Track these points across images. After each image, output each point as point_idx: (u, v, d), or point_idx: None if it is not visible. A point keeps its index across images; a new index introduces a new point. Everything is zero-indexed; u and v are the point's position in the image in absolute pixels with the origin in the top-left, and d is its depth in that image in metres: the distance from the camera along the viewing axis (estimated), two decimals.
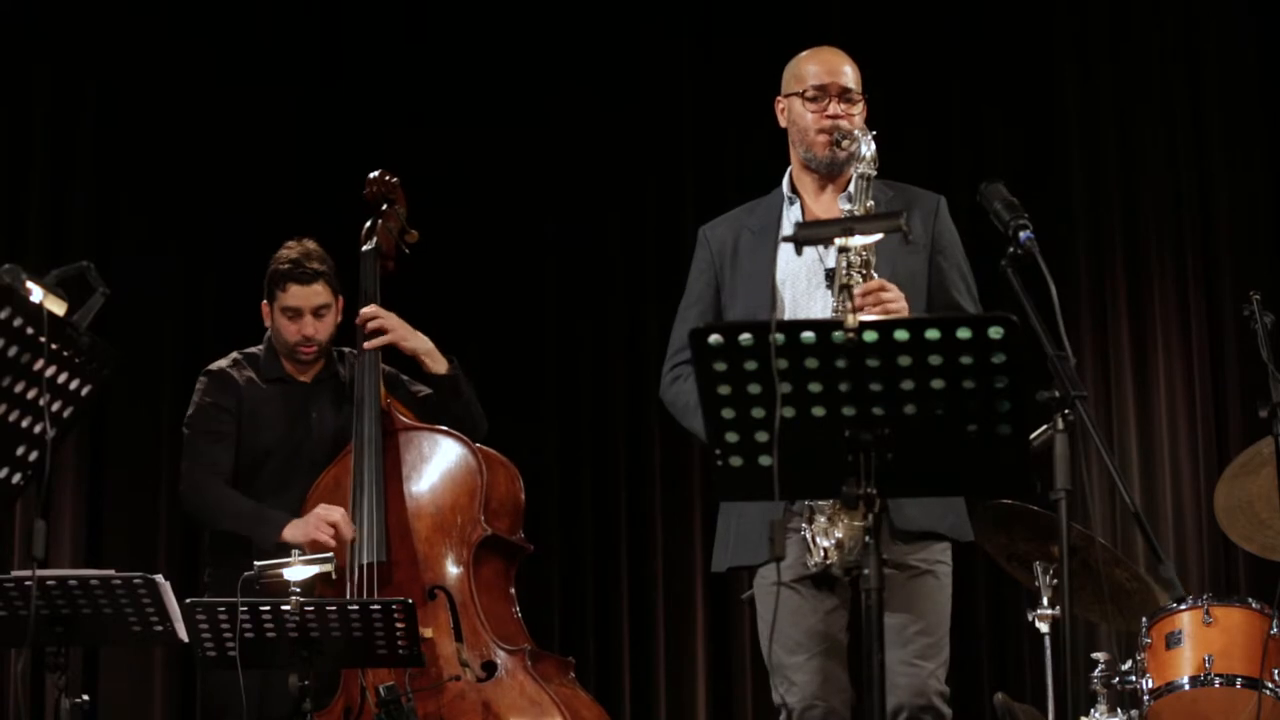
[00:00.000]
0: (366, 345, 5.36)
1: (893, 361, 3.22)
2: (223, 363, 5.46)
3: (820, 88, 4.39)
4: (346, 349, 5.52)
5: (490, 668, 5.09)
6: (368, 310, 5.41)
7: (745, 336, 3.25)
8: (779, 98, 4.48)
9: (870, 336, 3.22)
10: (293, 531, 5.17)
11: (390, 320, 5.40)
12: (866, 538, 3.39)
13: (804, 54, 4.51)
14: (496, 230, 7.49)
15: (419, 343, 5.44)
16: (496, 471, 5.30)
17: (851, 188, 4.30)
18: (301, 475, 5.32)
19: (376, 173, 5.62)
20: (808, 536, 4.13)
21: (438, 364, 5.44)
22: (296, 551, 4.75)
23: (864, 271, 4.13)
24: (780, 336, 3.23)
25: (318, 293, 5.36)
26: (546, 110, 7.55)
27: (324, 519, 5.15)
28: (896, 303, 4.09)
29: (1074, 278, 7.07)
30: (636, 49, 7.61)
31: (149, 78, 7.27)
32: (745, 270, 4.39)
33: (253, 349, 5.49)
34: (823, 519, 4.09)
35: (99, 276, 3.81)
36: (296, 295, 5.35)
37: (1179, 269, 7.10)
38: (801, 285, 4.33)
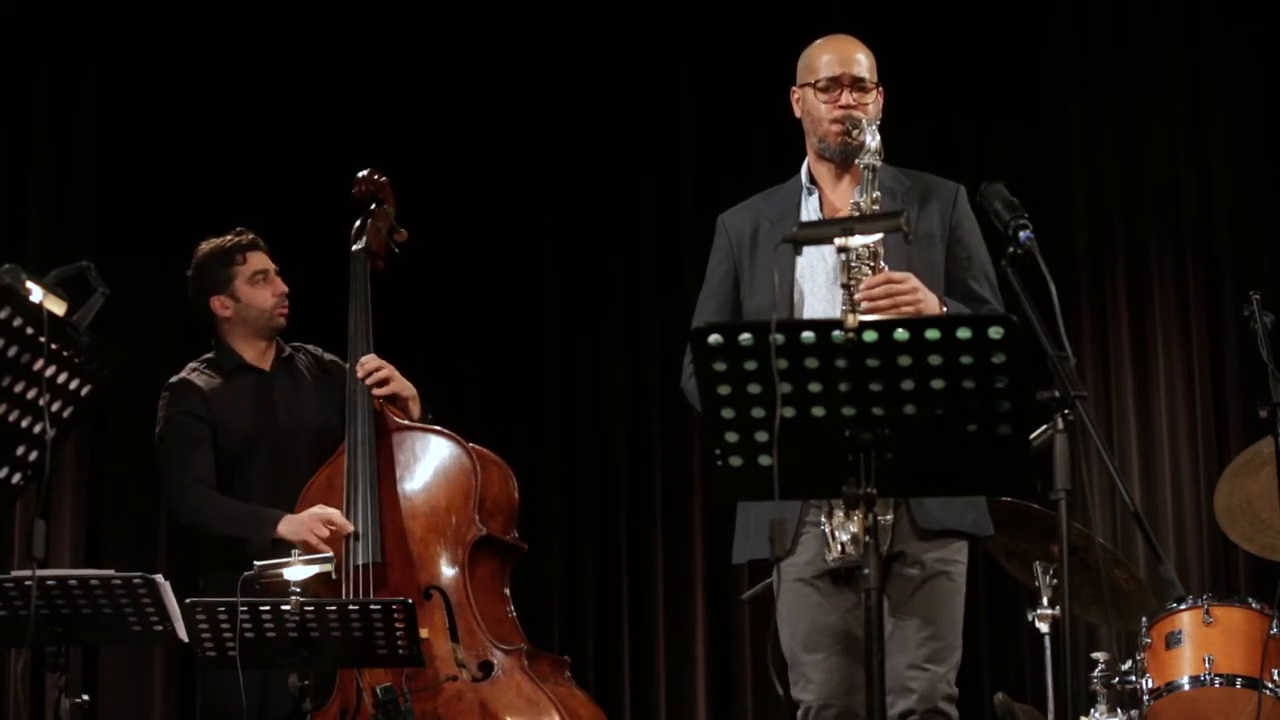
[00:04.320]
0: (376, 392, 5.34)
1: (893, 361, 3.23)
2: (182, 373, 5.46)
3: (833, 79, 4.36)
4: (295, 344, 5.54)
5: (487, 668, 5.08)
6: (370, 361, 5.37)
7: (745, 336, 3.26)
8: (794, 88, 4.45)
9: (870, 336, 3.22)
10: (287, 527, 5.17)
11: (391, 369, 5.39)
12: (866, 537, 3.39)
13: (817, 43, 4.47)
14: (495, 230, 7.49)
15: (409, 390, 5.43)
16: (490, 471, 5.29)
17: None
18: (285, 460, 5.33)
19: (365, 171, 5.61)
20: (827, 531, 4.12)
21: (416, 409, 5.44)
22: (296, 551, 4.75)
23: (872, 264, 4.10)
24: (780, 337, 3.23)
25: (267, 257, 5.45)
26: (545, 110, 7.55)
27: (319, 517, 5.16)
28: (909, 293, 4.05)
29: (1074, 278, 7.07)
30: (636, 47, 7.61)
31: (149, 78, 7.27)
32: (764, 261, 4.35)
33: (206, 355, 5.50)
34: (840, 514, 4.07)
35: (99, 276, 3.81)
36: (258, 259, 5.42)
37: (1179, 269, 7.10)
38: (820, 279, 4.30)
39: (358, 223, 5.55)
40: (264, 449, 5.35)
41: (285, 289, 5.44)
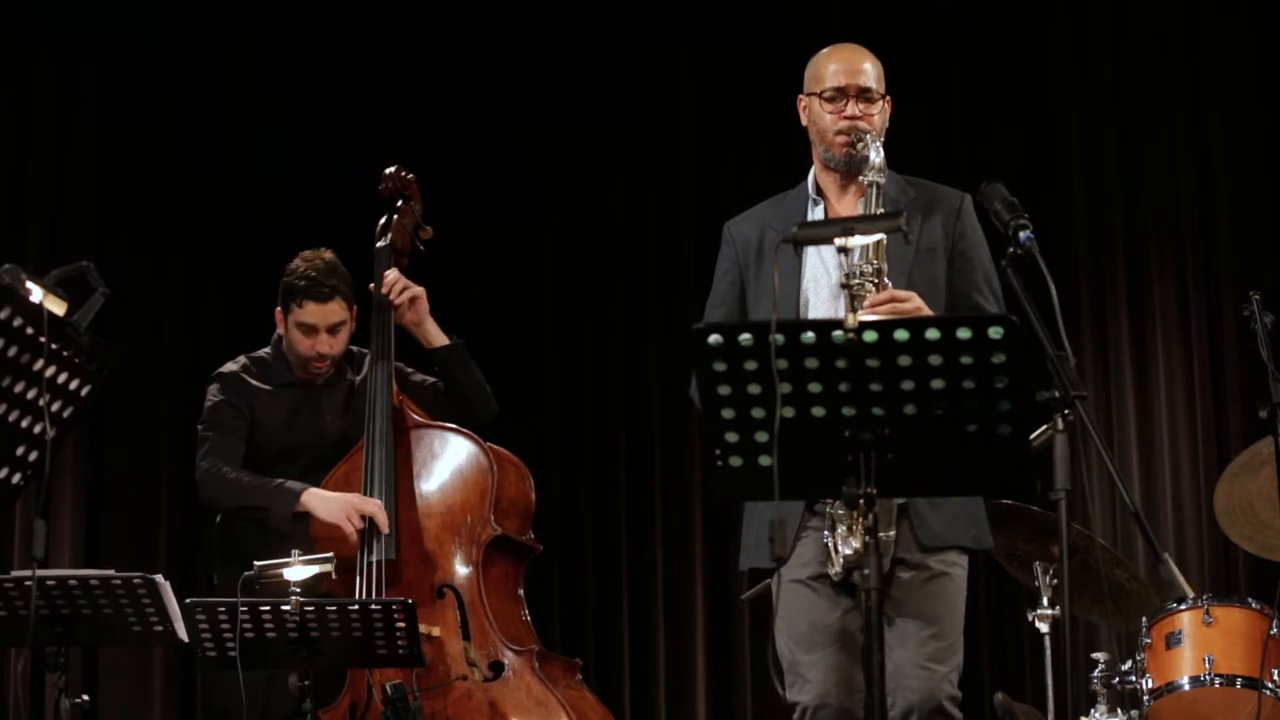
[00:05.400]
0: (396, 301, 5.35)
1: (893, 361, 3.23)
2: (233, 366, 5.46)
3: (839, 89, 4.32)
4: (355, 349, 5.53)
5: (497, 668, 5.09)
6: (391, 276, 5.39)
7: (745, 336, 3.26)
8: (800, 96, 4.41)
9: (870, 336, 3.22)
10: (315, 501, 5.17)
11: (411, 283, 5.42)
12: (867, 537, 3.39)
13: (824, 51, 4.42)
14: (497, 230, 7.49)
15: (425, 308, 5.45)
16: (507, 471, 5.29)
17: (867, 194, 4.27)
18: (309, 477, 5.31)
19: (393, 169, 5.59)
20: (829, 544, 4.12)
21: (440, 336, 5.45)
22: (296, 552, 4.74)
23: (876, 281, 4.08)
24: (780, 337, 3.23)
25: (334, 310, 5.35)
26: (548, 110, 7.55)
27: (359, 508, 5.16)
28: (913, 312, 4.00)
29: (1074, 278, 7.07)
30: (638, 50, 7.61)
31: (149, 77, 7.27)
32: (770, 271, 4.32)
33: (260, 353, 5.49)
34: (843, 528, 4.07)
35: (99, 276, 3.81)
36: (313, 313, 5.33)
37: (1179, 269, 7.10)
38: (825, 293, 4.28)
39: (383, 219, 5.54)
40: (297, 463, 5.36)
41: (326, 349, 5.34)
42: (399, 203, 5.55)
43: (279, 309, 5.41)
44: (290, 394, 5.43)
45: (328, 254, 5.41)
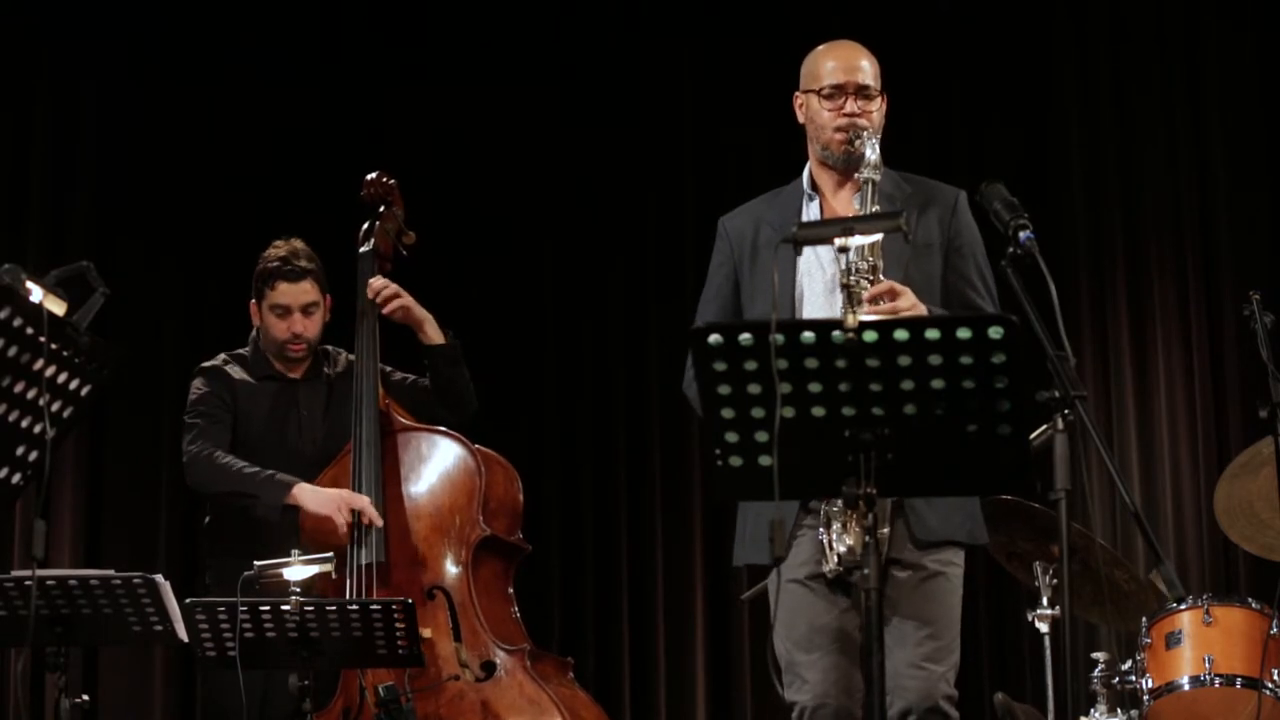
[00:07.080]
0: (387, 310, 5.40)
1: (893, 361, 3.22)
2: (215, 361, 5.52)
3: (837, 86, 4.32)
4: (330, 347, 5.56)
5: (489, 668, 5.10)
6: (377, 282, 5.43)
7: (745, 336, 3.26)
8: (797, 93, 4.41)
9: (870, 336, 3.22)
10: (305, 495, 5.20)
11: (399, 288, 5.46)
12: (867, 537, 3.39)
13: (821, 49, 4.43)
14: (496, 230, 7.49)
15: (423, 311, 5.48)
16: (494, 472, 5.31)
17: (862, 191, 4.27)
18: (288, 471, 5.31)
19: (374, 174, 5.63)
20: (824, 542, 4.12)
21: (438, 334, 5.48)
22: (296, 552, 4.75)
23: (871, 279, 4.08)
24: (780, 337, 3.23)
25: (306, 290, 5.42)
26: (547, 108, 7.55)
27: (349, 502, 5.18)
28: (909, 309, 4.02)
29: (1074, 278, 7.07)
30: (638, 48, 7.61)
31: (148, 77, 7.27)
32: (764, 267, 4.33)
33: (239, 350, 5.53)
34: (838, 525, 4.07)
35: (99, 276, 3.81)
36: (285, 293, 5.40)
37: (1179, 269, 7.10)
38: (819, 287, 4.28)
39: (366, 225, 5.58)
40: (277, 457, 5.37)
41: (300, 330, 5.41)
42: (381, 208, 5.59)
43: (253, 301, 5.47)
44: (270, 387, 5.47)
45: (298, 241, 5.49)
